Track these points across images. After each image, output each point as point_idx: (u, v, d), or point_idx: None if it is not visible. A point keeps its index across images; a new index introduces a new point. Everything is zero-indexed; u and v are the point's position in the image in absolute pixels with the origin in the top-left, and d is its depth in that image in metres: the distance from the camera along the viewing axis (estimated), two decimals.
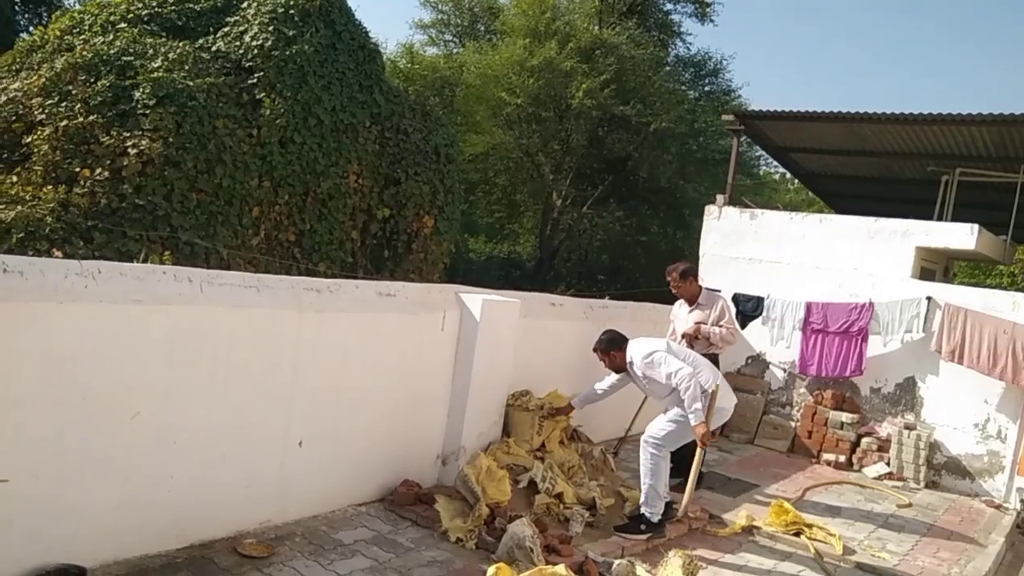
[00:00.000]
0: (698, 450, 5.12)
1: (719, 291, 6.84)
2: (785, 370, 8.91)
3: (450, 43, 26.63)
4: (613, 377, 5.66)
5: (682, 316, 6.51)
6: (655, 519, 5.07)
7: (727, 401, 5.37)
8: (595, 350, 5.59)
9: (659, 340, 5.50)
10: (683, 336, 6.33)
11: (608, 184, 21.58)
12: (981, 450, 7.72)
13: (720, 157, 18.87)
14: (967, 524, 6.63)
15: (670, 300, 6.91)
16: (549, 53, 18.88)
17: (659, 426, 5.18)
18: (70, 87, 9.52)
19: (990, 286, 14.80)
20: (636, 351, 5.33)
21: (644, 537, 4.98)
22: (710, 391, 5.08)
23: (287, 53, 10.44)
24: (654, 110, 19.31)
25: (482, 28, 25.83)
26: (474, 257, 21.50)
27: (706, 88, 24.13)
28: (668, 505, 5.23)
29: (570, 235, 22.88)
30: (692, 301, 6.46)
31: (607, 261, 24.01)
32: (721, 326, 6.27)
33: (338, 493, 4.64)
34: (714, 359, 6.07)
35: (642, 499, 5.13)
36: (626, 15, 22.51)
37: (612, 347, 5.49)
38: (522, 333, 5.74)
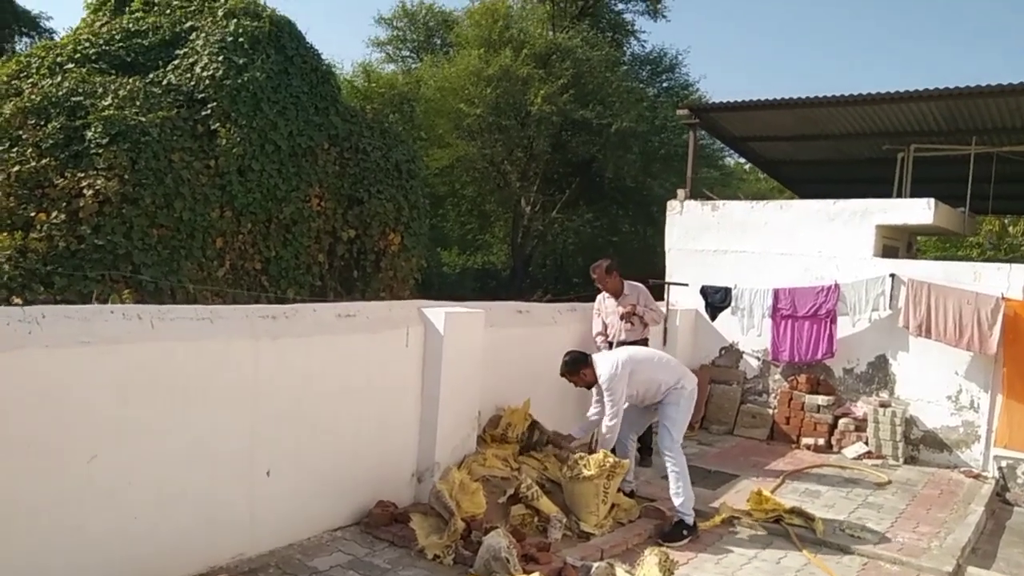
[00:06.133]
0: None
1: (639, 284, 7.09)
2: (758, 358, 8.95)
3: (407, 59, 26.64)
4: (593, 402, 5.75)
5: (611, 307, 6.94)
6: (689, 520, 5.22)
7: (680, 396, 5.47)
8: (562, 375, 5.66)
9: (620, 352, 5.67)
10: (621, 317, 6.77)
11: (575, 187, 21.63)
12: (956, 421, 7.79)
13: (683, 152, 18.81)
14: (946, 496, 6.68)
15: None
16: (505, 61, 18.92)
17: (660, 435, 5.43)
18: (20, 132, 9.39)
19: (960, 258, 14.96)
20: (600, 367, 5.48)
21: (686, 541, 5.11)
22: (689, 391, 5.46)
23: (239, 81, 10.38)
24: (614, 110, 19.38)
25: (438, 41, 25.86)
26: (447, 271, 21.39)
27: (664, 84, 24.27)
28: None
29: (542, 241, 22.89)
30: (618, 294, 6.90)
31: (581, 264, 23.93)
32: (650, 309, 6.85)
33: (312, 519, 4.59)
34: (644, 343, 6.68)
35: (678, 504, 5.25)
36: (578, 18, 22.63)
37: (576, 367, 5.60)
38: (490, 343, 5.73)
